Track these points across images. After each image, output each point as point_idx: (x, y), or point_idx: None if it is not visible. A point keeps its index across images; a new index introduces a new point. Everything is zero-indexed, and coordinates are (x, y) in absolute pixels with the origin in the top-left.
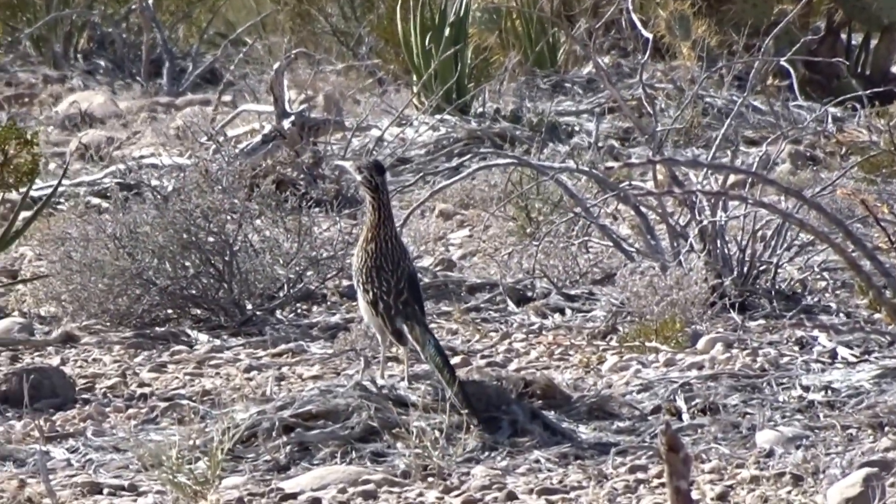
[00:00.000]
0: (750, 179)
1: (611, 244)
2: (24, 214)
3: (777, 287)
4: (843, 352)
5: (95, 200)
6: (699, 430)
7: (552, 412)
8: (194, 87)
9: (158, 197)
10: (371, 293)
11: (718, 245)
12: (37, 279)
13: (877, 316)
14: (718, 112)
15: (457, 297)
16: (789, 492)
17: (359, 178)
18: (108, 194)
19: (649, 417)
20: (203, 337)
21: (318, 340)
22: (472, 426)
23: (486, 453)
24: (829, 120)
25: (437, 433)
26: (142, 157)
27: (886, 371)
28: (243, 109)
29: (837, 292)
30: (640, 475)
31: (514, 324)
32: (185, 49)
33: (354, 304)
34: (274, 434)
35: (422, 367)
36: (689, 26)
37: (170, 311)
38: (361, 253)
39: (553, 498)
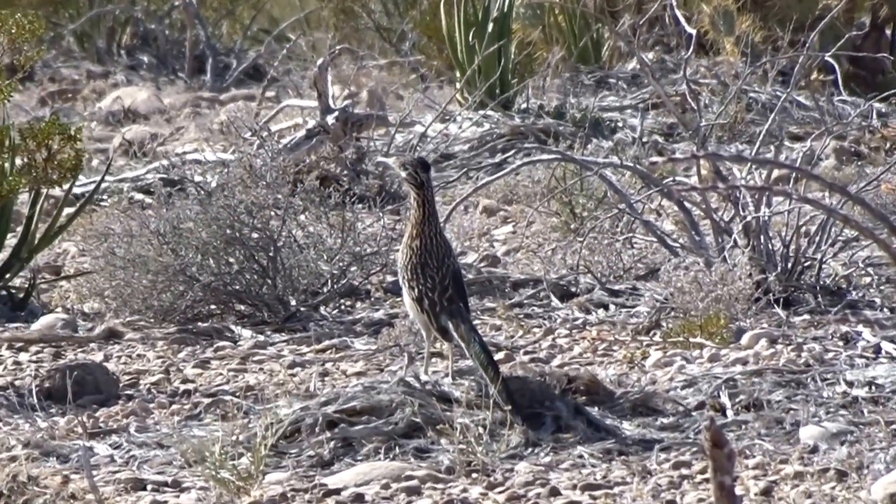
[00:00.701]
0: (794, 175)
1: (655, 240)
2: (68, 210)
3: (821, 282)
4: (887, 347)
5: (139, 196)
6: (743, 426)
7: (596, 408)
8: (238, 82)
9: (202, 193)
10: (416, 290)
11: (763, 240)
12: (80, 275)
13: None
14: (762, 107)
15: (501, 293)
16: (833, 487)
17: (403, 174)
18: (152, 190)
19: (693, 413)
20: (246, 333)
21: (361, 336)
22: (515, 423)
23: (530, 449)
24: (874, 115)
25: (480, 429)
26: (185, 152)
27: None
28: (287, 105)
29: (882, 288)
30: (683, 471)
31: (557, 319)
32: (228, 45)
33: (398, 299)
34: (317, 430)
35: (466, 363)
36: (732, 22)
37: (213, 306)
38: (406, 250)
39: (596, 494)
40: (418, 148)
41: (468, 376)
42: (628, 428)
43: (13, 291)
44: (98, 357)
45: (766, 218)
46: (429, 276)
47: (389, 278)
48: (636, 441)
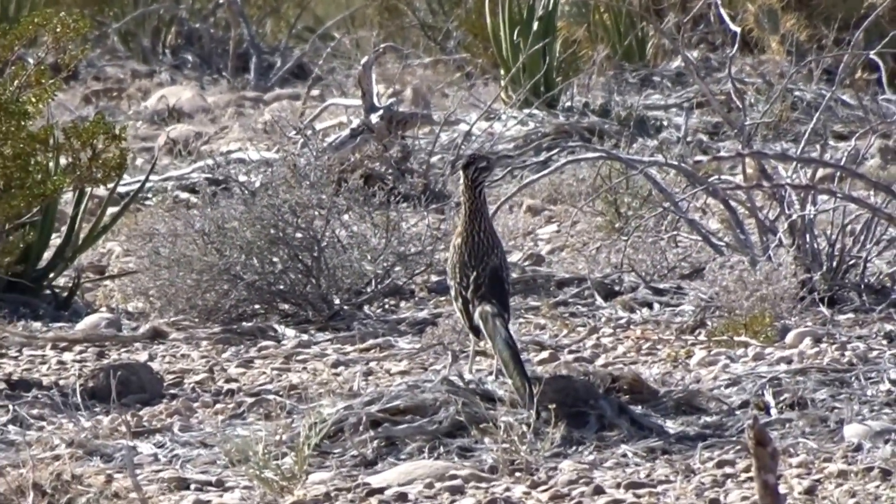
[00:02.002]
0: (839, 173)
1: (700, 238)
2: (112, 210)
3: (866, 281)
4: None
5: (183, 195)
6: (787, 425)
7: (639, 407)
8: (282, 81)
9: (246, 192)
10: (454, 289)
11: (807, 239)
12: (125, 275)
13: None
14: (807, 106)
15: (545, 291)
16: (878, 486)
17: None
18: (196, 189)
19: (737, 412)
20: (290, 332)
21: (405, 335)
22: (557, 423)
23: (574, 448)
24: None
25: (524, 428)
26: (229, 151)
27: None
28: (331, 103)
29: None
30: (727, 469)
31: (601, 318)
32: (272, 44)
33: (442, 299)
34: (361, 429)
35: None
36: (777, 20)
37: (257, 306)
38: (451, 248)
39: (640, 492)
40: (463, 146)
41: None
42: (672, 426)
43: (57, 291)
44: (142, 357)
45: (811, 217)
46: (465, 275)
47: (434, 278)
48: (680, 439)
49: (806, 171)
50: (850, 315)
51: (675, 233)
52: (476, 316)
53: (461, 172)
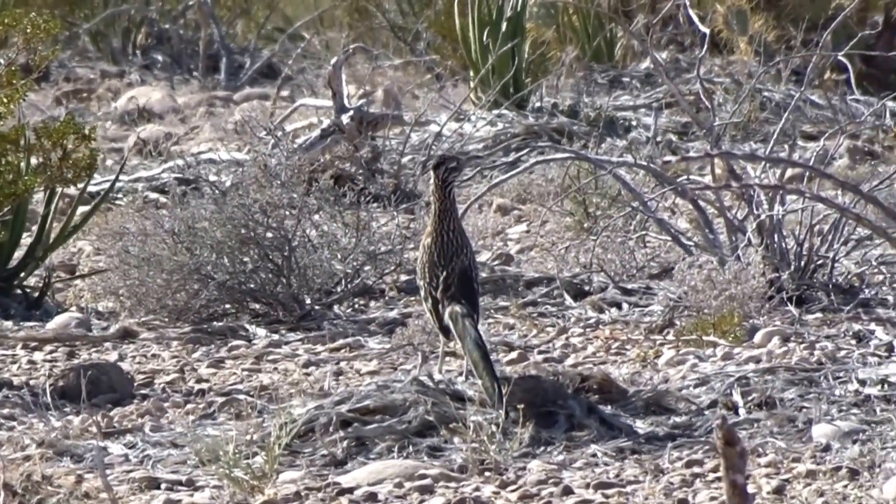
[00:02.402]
0: (807, 174)
1: (668, 238)
2: (83, 209)
3: (834, 281)
4: None
5: (153, 195)
6: (756, 425)
7: (608, 407)
8: (252, 81)
9: (217, 192)
10: (423, 289)
11: (776, 239)
12: (95, 274)
13: None
14: (776, 106)
15: (514, 291)
16: (846, 486)
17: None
18: (167, 189)
19: (706, 412)
20: (261, 332)
21: (375, 335)
22: (527, 423)
23: (543, 448)
24: (887, 114)
25: (493, 428)
26: (200, 152)
27: None
28: (301, 104)
29: (894, 286)
30: (696, 469)
31: (571, 318)
32: (242, 44)
33: (412, 299)
34: (331, 429)
35: None
36: (746, 21)
37: (228, 306)
38: (421, 248)
39: (609, 492)
40: (433, 147)
41: None
42: (641, 426)
43: (28, 290)
44: (112, 356)
45: (780, 216)
46: (434, 275)
47: (403, 277)
48: (649, 439)
49: (774, 172)
50: (819, 315)
51: (643, 233)
52: (446, 316)
53: (431, 172)
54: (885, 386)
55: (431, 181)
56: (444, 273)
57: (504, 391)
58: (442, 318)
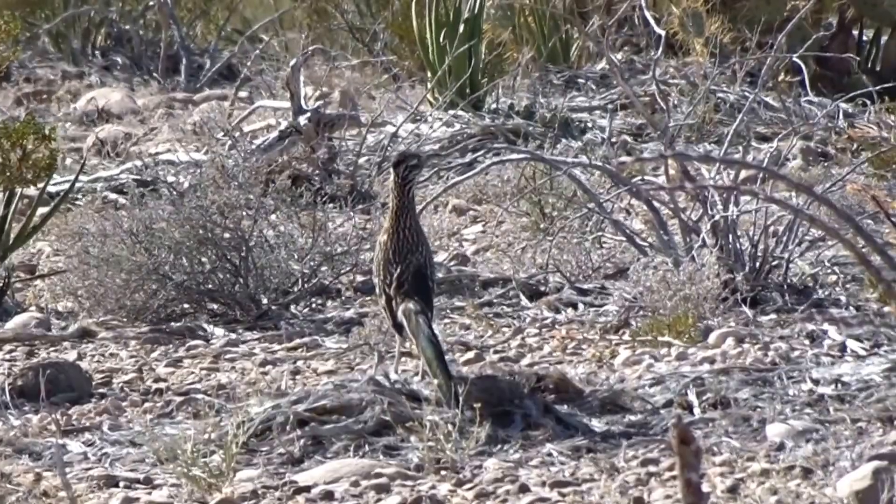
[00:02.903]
0: (761, 175)
1: (624, 239)
2: (42, 210)
3: (788, 282)
4: (853, 345)
5: (112, 196)
6: (710, 424)
7: (565, 406)
8: (211, 83)
9: (175, 193)
10: (378, 286)
11: (730, 240)
12: (54, 274)
13: (886, 310)
14: (731, 108)
15: (470, 292)
16: (799, 484)
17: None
18: (125, 190)
19: (661, 411)
20: (219, 331)
21: (332, 335)
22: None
23: (499, 446)
24: (840, 116)
25: (449, 427)
26: (158, 153)
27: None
28: (260, 105)
29: (848, 286)
30: (651, 468)
31: (527, 318)
32: (202, 46)
33: (368, 298)
34: (288, 428)
35: None
36: (701, 23)
37: (186, 305)
38: (377, 245)
39: (565, 490)
40: (389, 148)
41: None
42: (597, 425)
43: None
44: (71, 356)
45: (734, 217)
46: (389, 272)
47: (360, 277)
48: (605, 438)
49: (729, 173)
50: (773, 315)
51: (599, 233)
52: (399, 313)
53: (391, 170)
54: (839, 386)
55: (391, 178)
56: (399, 270)
57: (460, 390)
58: (395, 316)
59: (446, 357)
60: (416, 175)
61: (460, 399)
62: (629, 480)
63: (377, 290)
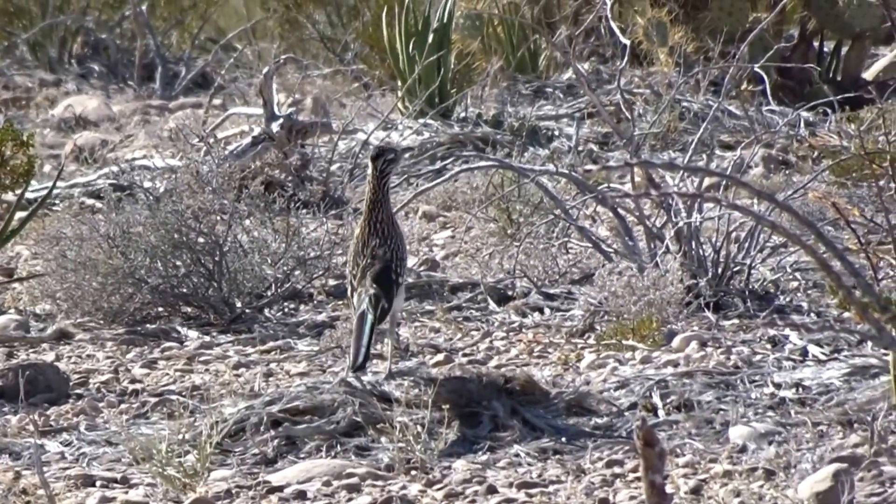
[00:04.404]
0: (724, 182)
1: (589, 245)
2: (20, 214)
3: (750, 287)
4: (813, 350)
5: (89, 201)
6: (674, 426)
7: (532, 408)
8: (186, 90)
9: (150, 198)
10: (348, 277)
11: (693, 246)
12: (32, 278)
13: (846, 315)
14: (694, 116)
15: (440, 296)
16: (761, 486)
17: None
18: (102, 195)
19: (626, 413)
20: (193, 334)
21: (304, 338)
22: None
23: (468, 447)
24: (802, 124)
25: (419, 428)
26: (134, 159)
27: (855, 369)
28: (233, 112)
29: (809, 292)
30: (616, 469)
31: (494, 322)
32: (177, 54)
33: (340, 302)
34: (261, 428)
35: (405, 364)
36: (666, 33)
37: (161, 308)
38: (353, 238)
39: (532, 491)
40: (360, 155)
41: (407, 377)
42: (563, 427)
43: None
44: (49, 357)
45: (697, 224)
46: (356, 263)
47: (332, 282)
48: (571, 440)
49: (693, 180)
50: (735, 320)
51: (565, 239)
52: (355, 299)
53: (370, 163)
54: (800, 389)
55: (369, 171)
56: (365, 262)
57: (367, 362)
58: (359, 307)
59: (366, 337)
60: (394, 168)
61: (362, 367)
62: (595, 482)
63: (347, 282)
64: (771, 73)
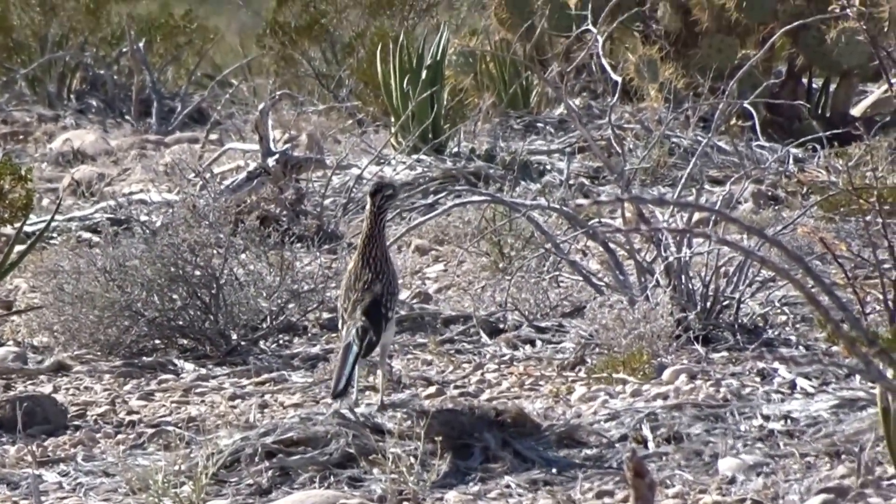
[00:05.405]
0: (714, 217)
1: (580, 279)
2: (19, 248)
3: (739, 321)
4: (802, 383)
5: (87, 235)
6: (664, 458)
7: (523, 440)
8: (182, 125)
9: (147, 231)
10: (339, 311)
11: (683, 280)
12: (30, 310)
13: (834, 349)
14: (684, 152)
15: (432, 328)
16: None
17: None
18: (99, 229)
19: (616, 445)
20: (189, 366)
21: (299, 370)
22: (444, 454)
23: (459, 479)
24: (790, 160)
25: (412, 459)
26: (131, 193)
27: (843, 401)
28: (229, 148)
29: (797, 326)
30: (606, 500)
31: (486, 355)
32: (173, 90)
33: (334, 335)
34: (256, 459)
35: (398, 396)
36: (656, 69)
37: (157, 341)
38: (346, 272)
39: None
40: (354, 189)
41: (400, 408)
42: (554, 458)
43: None
44: (47, 389)
45: (687, 259)
46: (348, 297)
47: (326, 315)
48: (561, 471)
49: (682, 215)
50: (724, 353)
51: (556, 273)
52: (344, 332)
53: (368, 198)
54: (788, 421)
55: (367, 206)
56: (356, 295)
57: (347, 389)
58: (344, 338)
59: (349, 366)
60: (391, 204)
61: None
62: None
63: (338, 315)
64: (760, 110)
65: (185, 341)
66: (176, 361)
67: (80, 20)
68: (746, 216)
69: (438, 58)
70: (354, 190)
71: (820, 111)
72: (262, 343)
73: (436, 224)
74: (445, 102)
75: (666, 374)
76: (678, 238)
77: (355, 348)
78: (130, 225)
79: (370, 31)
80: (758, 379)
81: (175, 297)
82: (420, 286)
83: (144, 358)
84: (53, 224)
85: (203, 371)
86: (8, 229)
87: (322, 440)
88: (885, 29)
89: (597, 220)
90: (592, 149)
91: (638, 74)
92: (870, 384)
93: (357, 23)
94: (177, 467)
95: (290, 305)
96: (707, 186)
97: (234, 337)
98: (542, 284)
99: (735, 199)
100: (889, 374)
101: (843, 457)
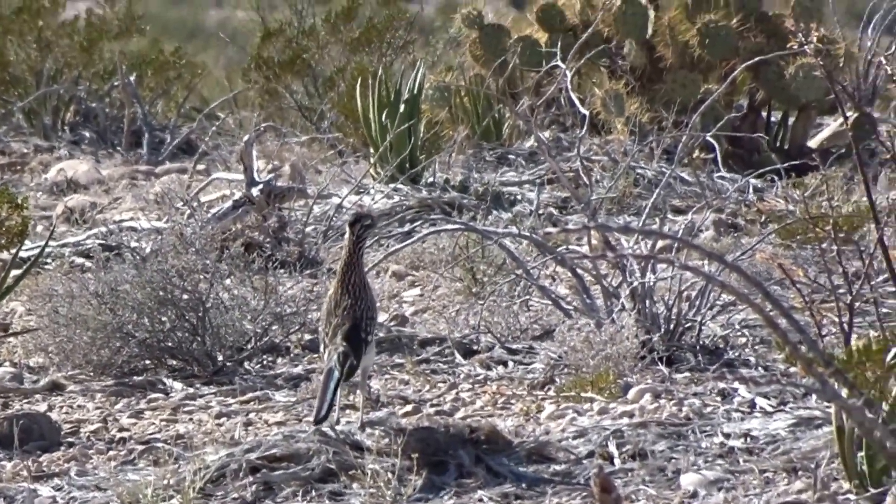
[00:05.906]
0: (676, 244)
1: (550, 303)
2: (15, 273)
3: (701, 343)
4: (761, 402)
5: (79, 260)
6: (629, 474)
7: (495, 456)
8: (172, 156)
9: (137, 257)
10: (320, 336)
11: (648, 304)
12: (26, 332)
13: (792, 369)
14: (649, 182)
15: (409, 350)
16: None
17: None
18: (91, 255)
19: (584, 461)
20: (178, 385)
21: (282, 389)
22: (420, 470)
23: (435, 493)
24: (750, 190)
25: (389, 475)
26: (122, 220)
27: (800, 420)
28: (216, 177)
29: (756, 348)
30: None
31: (461, 375)
32: (163, 122)
33: (315, 356)
34: (241, 474)
35: (376, 415)
36: (622, 104)
37: (147, 361)
38: (325, 300)
39: None
40: (334, 218)
41: (378, 426)
42: (525, 474)
43: None
44: (42, 407)
45: (651, 284)
46: (328, 322)
47: (307, 336)
48: (531, 486)
49: (647, 242)
50: (687, 373)
51: (527, 297)
52: (325, 357)
53: (347, 228)
54: (748, 439)
55: (346, 235)
56: (336, 321)
57: (329, 415)
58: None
59: (330, 392)
60: (370, 233)
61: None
62: None
63: (319, 339)
64: (722, 142)
65: (174, 362)
66: (165, 381)
67: (74, 56)
68: (708, 243)
69: (415, 92)
70: (335, 218)
71: (779, 143)
72: (247, 363)
73: (412, 251)
74: (422, 135)
75: (631, 394)
76: (643, 264)
77: (336, 374)
78: (121, 251)
79: (350, 66)
80: (719, 398)
81: (164, 319)
82: (397, 309)
83: (135, 378)
84: (48, 250)
85: (191, 390)
86: (5, 255)
87: (304, 456)
88: (841, 65)
89: (565, 247)
90: (561, 180)
91: (605, 108)
92: (826, 403)
93: (338, 58)
94: (165, 482)
95: (274, 327)
96: (670, 215)
97: (221, 358)
98: (514, 308)
99: (697, 227)
100: (844, 393)
101: (801, 473)
